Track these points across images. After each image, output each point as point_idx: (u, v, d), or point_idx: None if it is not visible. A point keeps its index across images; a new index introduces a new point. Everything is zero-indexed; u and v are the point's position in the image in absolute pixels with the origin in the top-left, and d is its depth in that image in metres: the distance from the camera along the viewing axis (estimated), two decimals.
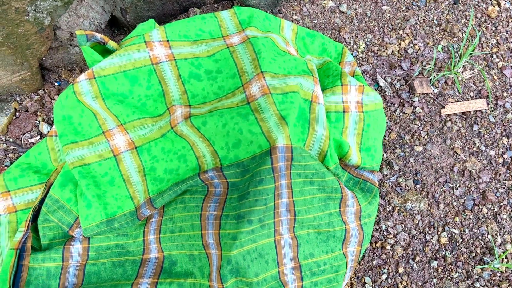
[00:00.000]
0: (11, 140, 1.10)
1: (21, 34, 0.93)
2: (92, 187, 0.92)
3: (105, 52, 1.04)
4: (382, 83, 1.17)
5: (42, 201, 0.96)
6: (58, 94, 1.14)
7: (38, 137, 1.10)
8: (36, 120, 1.12)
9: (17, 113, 1.12)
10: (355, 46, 1.22)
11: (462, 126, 1.14)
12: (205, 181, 0.89)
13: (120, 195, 0.93)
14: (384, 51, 1.22)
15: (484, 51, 1.23)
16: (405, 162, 1.10)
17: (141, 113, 0.96)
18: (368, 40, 1.23)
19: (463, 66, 1.21)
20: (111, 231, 0.93)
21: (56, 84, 1.15)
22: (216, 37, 1.05)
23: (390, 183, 1.08)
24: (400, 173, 1.09)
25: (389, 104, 1.16)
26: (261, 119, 0.88)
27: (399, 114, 1.15)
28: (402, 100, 1.16)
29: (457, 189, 1.08)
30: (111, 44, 1.00)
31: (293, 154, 0.85)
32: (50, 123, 1.12)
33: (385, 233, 1.04)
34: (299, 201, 0.87)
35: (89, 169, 0.92)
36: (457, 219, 1.05)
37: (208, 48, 1.02)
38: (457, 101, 1.17)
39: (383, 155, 1.11)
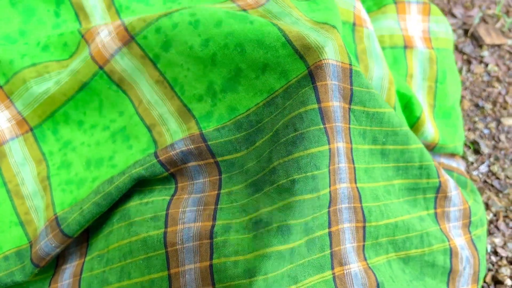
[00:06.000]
0: None
1: None
2: None
3: None
4: None
5: None
6: None
7: None
8: None
9: None
10: None
11: None
12: (169, 166, 0.43)
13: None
14: None
15: None
16: (493, 142, 0.69)
17: (38, 57, 0.51)
18: None
19: None
20: None
21: None
22: None
23: (481, 176, 0.66)
24: (491, 159, 0.68)
25: None
26: (278, 23, 0.44)
27: (467, 75, 0.76)
28: (467, 57, 0.78)
29: None
30: None
31: (352, 85, 0.41)
32: None
33: (493, 258, 0.60)
34: (365, 190, 0.42)
35: None
36: None
37: None
38: None
39: None
